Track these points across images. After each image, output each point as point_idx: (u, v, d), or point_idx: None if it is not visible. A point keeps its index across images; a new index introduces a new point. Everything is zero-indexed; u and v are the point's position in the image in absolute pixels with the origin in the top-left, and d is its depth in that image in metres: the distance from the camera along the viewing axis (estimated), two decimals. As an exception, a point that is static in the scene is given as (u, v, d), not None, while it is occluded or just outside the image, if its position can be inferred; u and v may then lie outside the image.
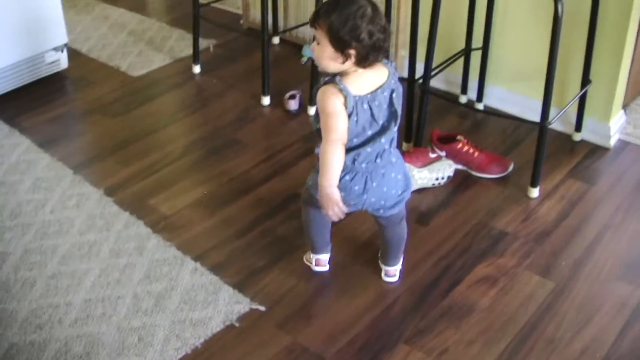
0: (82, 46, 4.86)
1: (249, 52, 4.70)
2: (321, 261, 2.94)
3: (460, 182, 3.40)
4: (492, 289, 2.83)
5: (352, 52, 2.37)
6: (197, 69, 4.48)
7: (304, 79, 4.14)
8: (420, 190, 3.33)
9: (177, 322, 2.70)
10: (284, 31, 4.73)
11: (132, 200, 3.33)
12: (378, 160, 2.54)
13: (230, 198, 3.33)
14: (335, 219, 2.57)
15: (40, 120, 4.00)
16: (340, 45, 2.37)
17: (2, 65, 4.10)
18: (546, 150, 3.31)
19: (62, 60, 4.43)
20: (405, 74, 3.97)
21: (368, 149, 2.51)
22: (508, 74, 3.89)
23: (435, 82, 3.90)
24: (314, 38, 2.44)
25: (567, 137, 3.73)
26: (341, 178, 2.52)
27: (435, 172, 3.32)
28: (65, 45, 4.42)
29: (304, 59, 4.47)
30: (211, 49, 4.74)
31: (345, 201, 2.55)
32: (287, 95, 3.97)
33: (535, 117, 3.26)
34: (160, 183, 3.46)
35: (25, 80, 4.26)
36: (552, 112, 3.21)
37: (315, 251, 2.93)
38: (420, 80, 3.46)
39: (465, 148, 3.40)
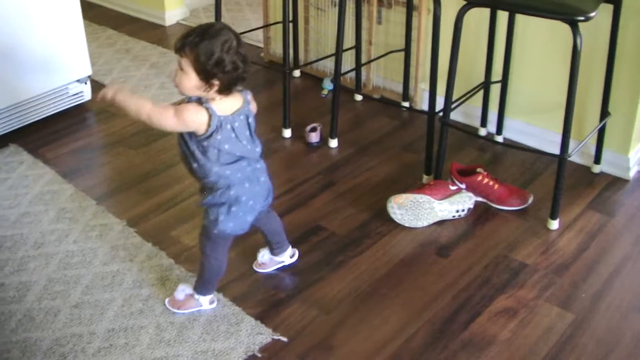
0: (105, 78, 4.91)
1: (270, 84, 4.74)
2: (214, 299, 2.98)
3: (480, 215, 3.42)
4: (512, 321, 2.84)
5: (217, 82, 2.48)
6: (218, 101, 4.49)
7: (325, 112, 4.19)
8: (441, 223, 3.35)
9: (200, 353, 2.72)
10: (305, 65, 4.77)
11: (154, 232, 3.36)
12: (254, 164, 2.74)
13: (252, 230, 3.33)
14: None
15: (63, 152, 4.04)
16: (206, 77, 2.47)
17: (27, 97, 4.15)
18: (565, 182, 3.33)
19: (86, 92, 4.48)
20: (424, 107, 4.02)
21: (243, 163, 2.67)
22: (527, 106, 3.91)
23: (455, 115, 3.93)
24: (179, 64, 2.51)
25: (586, 170, 3.75)
26: (237, 192, 2.68)
27: (455, 204, 3.33)
28: (89, 77, 4.48)
29: (325, 92, 4.55)
30: (232, 82, 4.77)
31: (255, 209, 2.78)
32: (308, 128, 4.00)
33: (554, 150, 3.28)
34: (182, 215, 3.49)
35: (49, 112, 4.31)
36: (571, 144, 3.23)
37: (212, 289, 2.95)
38: (440, 114, 3.49)
39: (485, 180, 3.42)
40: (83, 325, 2.88)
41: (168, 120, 2.57)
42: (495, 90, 3.92)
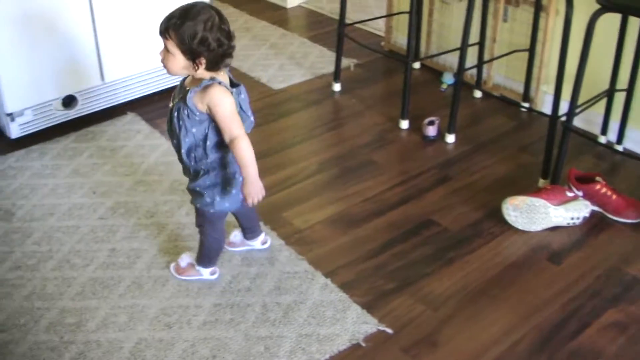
0: (225, 55, 4.94)
1: (389, 74, 4.73)
2: (216, 269, 3.07)
3: (594, 224, 3.35)
4: (622, 336, 2.77)
5: (203, 60, 2.52)
6: (337, 87, 4.52)
7: (443, 106, 4.15)
8: (554, 228, 3.30)
9: (304, 336, 2.73)
10: (426, 57, 4.74)
11: (266, 211, 3.37)
12: None
13: (363, 218, 3.35)
14: (256, 202, 2.71)
15: (180, 125, 4.09)
16: (192, 56, 2.51)
17: (148, 68, 4.22)
18: (686, 199, 3.24)
19: (206, 68, 4.52)
20: (544, 109, 3.96)
21: None
22: (651, 118, 3.82)
23: (574, 121, 3.85)
24: (165, 46, 2.55)
25: None
26: (233, 169, 2.75)
27: (571, 211, 3.28)
28: (210, 53, 4.51)
29: (444, 86, 4.51)
30: (352, 68, 4.78)
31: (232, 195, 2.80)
32: (426, 121, 3.97)
33: (677, 165, 3.20)
34: (295, 197, 3.51)
35: (170, 84, 4.35)
36: (697, 161, 3.15)
37: (215, 262, 3.04)
38: (563, 118, 3.43)
39: (603, 190, 3.35)
40: (190, 298, 2.92)
41: (239, 128, 2.62)
42: (619, 98, 3.83)
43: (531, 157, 3.82)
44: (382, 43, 5.11)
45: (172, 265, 3.06)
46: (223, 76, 2.63)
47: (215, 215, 2.82)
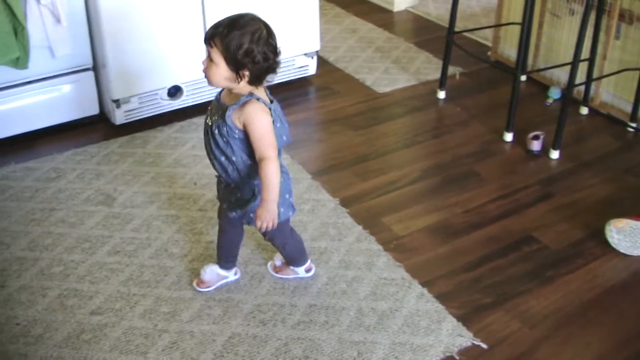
0: (330, 55, 4.96)
1: (494, 85, 4.68)
2: (311, 266, 3.08)
3: (696, 251, 3.28)
4: None
5: (247, 73, 2.46)
6: (441, 94, 4.50)
7: (549, 121, 4.10)
8: (652, 253, 3.24)
9: (398, 344, 2.72)
10: (534, 70, 4.68)
11: (366, 215, 3.38)
12: (280, 158, 2.66)
13: (463, 230, 3.33)
14: (264, 227, 2.61)
15: (284, 122, 4.11)
16: (236, 67, 2.45)
17: (256, 64, 4.24)
18: None
19: (311, 67, 4.54)
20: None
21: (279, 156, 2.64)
22: None
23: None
24: (209, 55, 2.50)
25: None
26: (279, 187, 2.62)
27: (670, 235, 3.22)
28: (317, 52, 4.52)
29: (550, 101, 4.45)
30: (457, 77, 4.75)
31: (291, 201, 2.77)
32: (531, 135, 3.92)
33: None
34: (395, 203, 3.49)
35: (274, 80, 4.36)
36: None
37: (306, 258, 3.03)
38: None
39: None
40: (286, 296, 2.93)
41: (271, 149, 2.54)
42: None
43: (636, 179, 3.74)
44: (489, 53, 5.06)
45: (269, 263, 3.08)
46: (261, 91, 2.59)
47: (278, 227, 2.69)
